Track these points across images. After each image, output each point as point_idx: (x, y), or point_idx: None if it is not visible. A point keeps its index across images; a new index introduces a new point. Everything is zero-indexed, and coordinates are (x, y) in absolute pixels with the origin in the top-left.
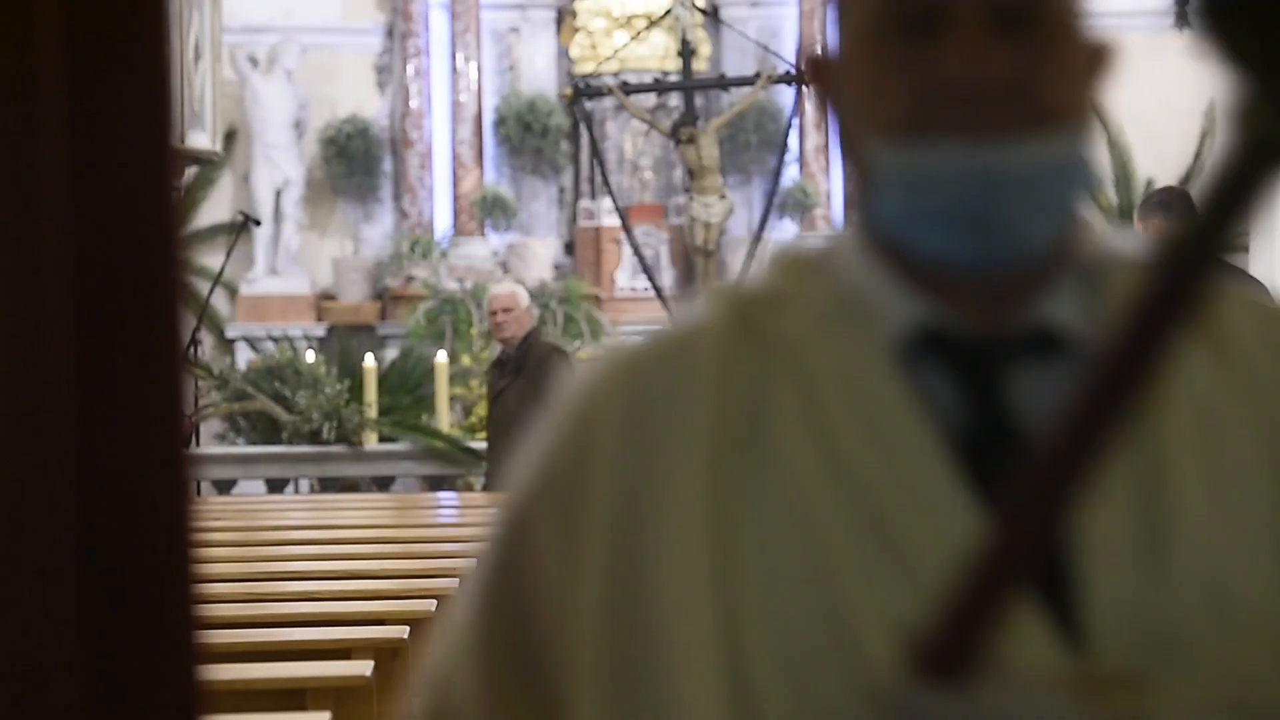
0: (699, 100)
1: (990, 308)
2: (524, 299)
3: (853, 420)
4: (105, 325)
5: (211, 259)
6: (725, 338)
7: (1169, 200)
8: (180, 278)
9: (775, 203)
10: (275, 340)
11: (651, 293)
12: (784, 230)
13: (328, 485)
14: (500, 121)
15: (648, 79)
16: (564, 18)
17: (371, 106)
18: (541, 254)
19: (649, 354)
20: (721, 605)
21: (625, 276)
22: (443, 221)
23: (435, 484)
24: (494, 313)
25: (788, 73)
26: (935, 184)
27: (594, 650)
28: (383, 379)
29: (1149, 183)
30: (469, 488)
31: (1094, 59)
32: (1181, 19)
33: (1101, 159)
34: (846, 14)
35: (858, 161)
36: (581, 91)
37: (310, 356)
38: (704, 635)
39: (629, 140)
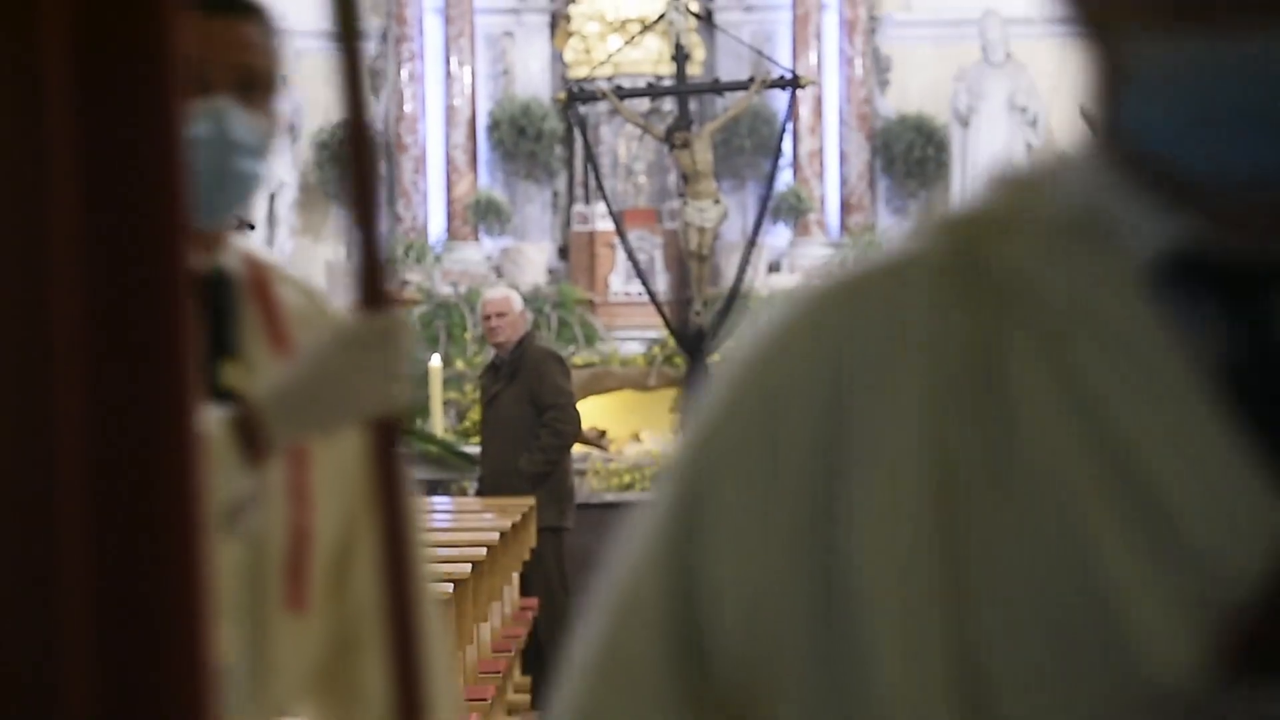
0: (693, 105)
1: (1271, 230)
2: (518, 303)
3: (1103, 364)
4: (115, 326)
5: None
6: (941, 268)
7: None
8: (187, 278)
9: (769, 207)
10: None
11: (645, 297)
12: (778, 235)
13: None
14: (494, 126)
15: (642, 83)
16: (558, 22)
17: None
18: (535, 258)
19: (850, 290)
20: (947, 582)
21: (619, 281)
22: (436, 226)
23: (429, 489)
24: (488, 317)
25: (782, 77)
26: (1220, 81)
27: (792, 631)
28: None
29: None
30: (463, 492)
31: None
32: None
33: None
34: None
35: (1104, 53)
36: (575, 96)
37: None
38: (922, 618)
39: (623, 145)
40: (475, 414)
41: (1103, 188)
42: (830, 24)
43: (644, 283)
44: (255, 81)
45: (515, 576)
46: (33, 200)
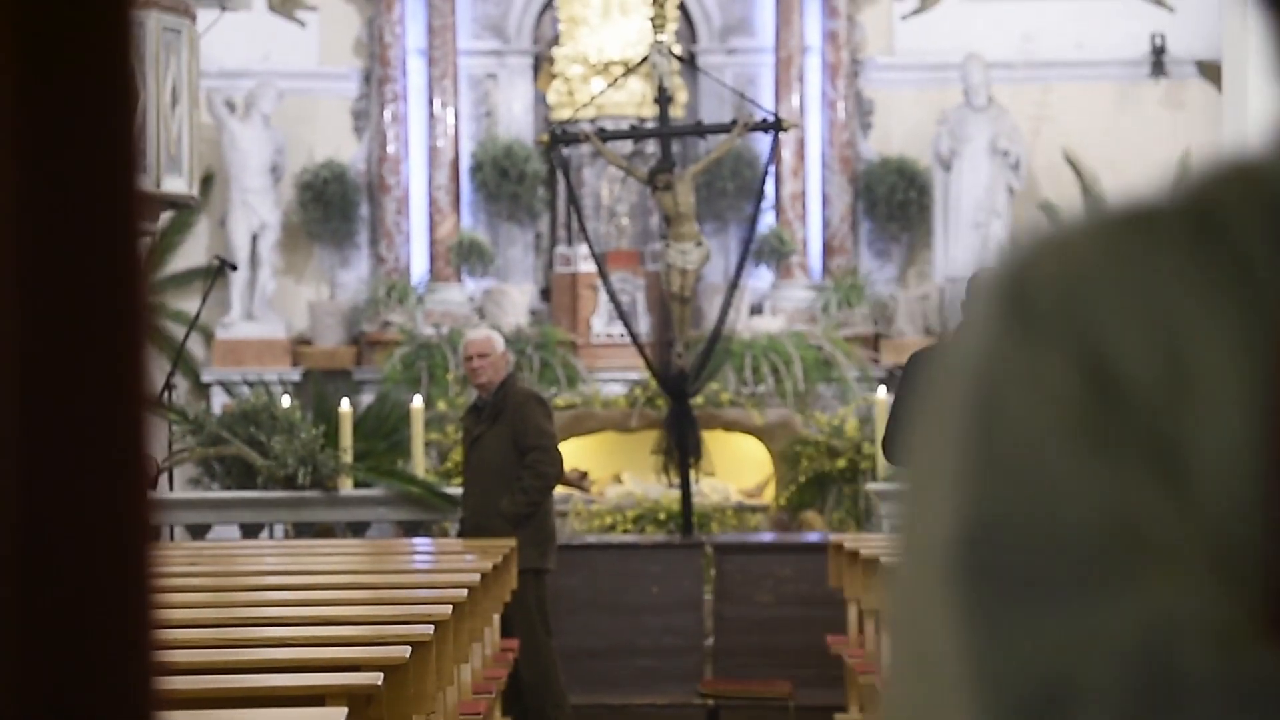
0: (676, 147)
1: None
2: (500, 345)
3: None
4: (57, 361)
5: (188, 303)
6: (1252, 212)
7: None
8: (145, 314)
9: (752, 249)
10: (251, 385)
11: (627, 339)
12: (760, 277)
13: (302, 530)
14: (477, 167)
15: (624, 125)
16: (541, 64)
17: (348, 151)
18: (518, 300)
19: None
20: None
21: (601, 323)
22: (419, 267)
23: (410, 529)
24: (470, 358)
25: (765, 120)
26: None
27: None
28: (358, 424)
29: None
30: (444, 533)
31: None
32: (1157, 68)
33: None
34: None
35: None
36: (558, 138)
37: (285, 401)
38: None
39: (605, 187)
40: (457, 455)
41: None
42: (813, 67)
43: (626, 324)
44: None
45: (496, 618)
46: None
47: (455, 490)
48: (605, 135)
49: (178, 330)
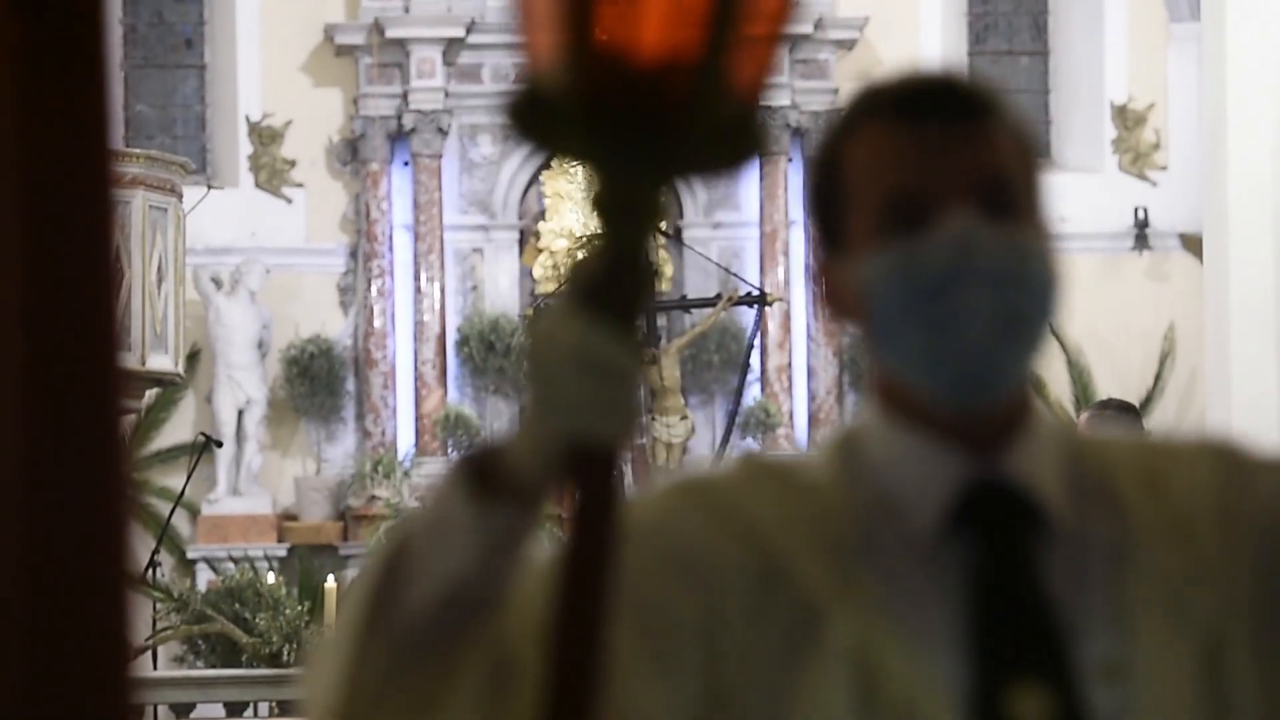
0: (661, 321)
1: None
2: None
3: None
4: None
5: (173, 480)
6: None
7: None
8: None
9: (738, 422)
10: (236, 561)
11: None
12: (746, 449)
13: (287, 708)
14: (463, 341)
15: None
16: (527, 238)
17: (335, 326)
18: None
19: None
20: None
21: None
22: (405, 441)
23: None
24: None
25: (750, 294)
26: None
27: None
28: (343, 600)
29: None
30: None
31: None
32: (1140, 241)
33: (1060, 380)
34: None
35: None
36: (543, 312)
37: (271, 577)
38: None
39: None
40: None
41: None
42: (798, 240)
43: None
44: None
45: None
46: None
47: None
48: None
49: (163, 507)
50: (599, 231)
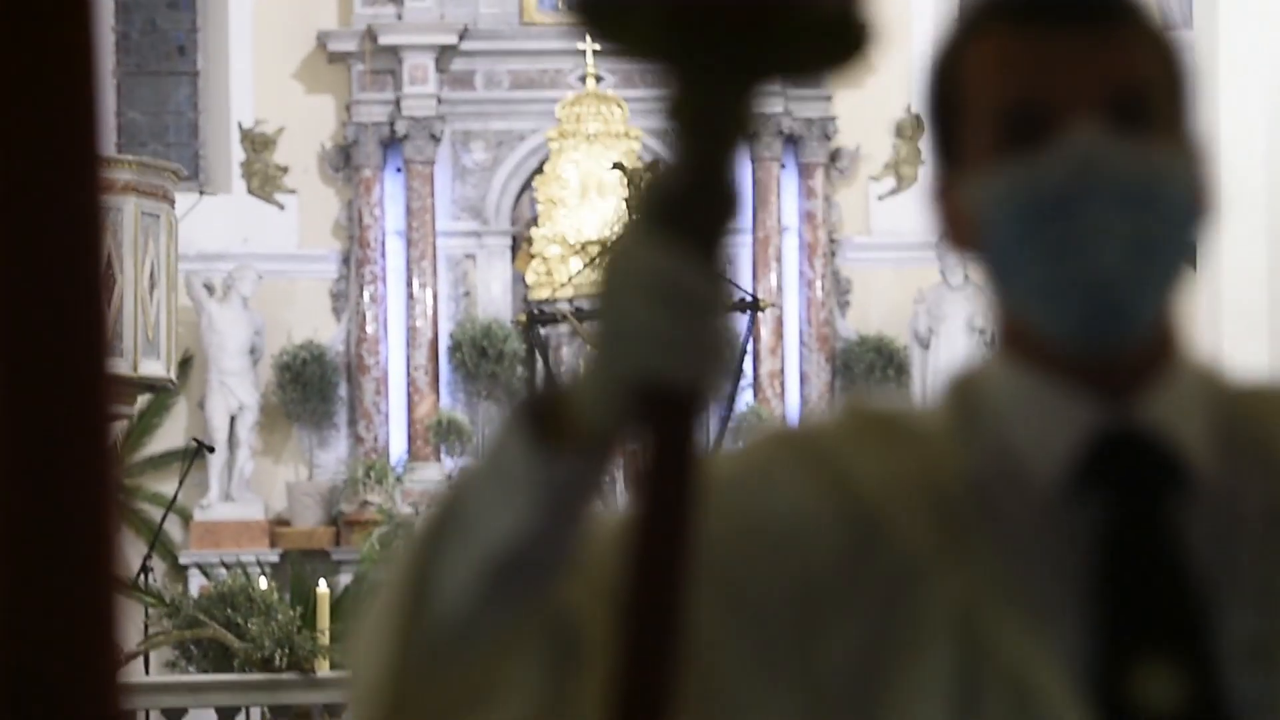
0: None
1: None
2: None
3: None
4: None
5: (165, 485)
6: None
7: None
8: (116, 498)
9: (730, 427)
10: (228, 566)
11: None
12: None
13: (279, 713)
14: (455, 347)
15: None
16: (519, 244)
17: (327, 332)
18: None
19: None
20: None
21: None
22: (398, 447)
23: None
24: None
25: (742, 300)
26: None
27: None
28: (336, 605)
29: None
30: None
31: None
32: None
33: None
34: None
35: None
36: (536, 318)
37: (263, 583)
38: None
39: (583, 366)
40: None
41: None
42: (790, 247)
43: (604, 504)
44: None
45: None
46: None
47: None
48: (583, 315)
49: (155, 513)
50: (677, 144)
